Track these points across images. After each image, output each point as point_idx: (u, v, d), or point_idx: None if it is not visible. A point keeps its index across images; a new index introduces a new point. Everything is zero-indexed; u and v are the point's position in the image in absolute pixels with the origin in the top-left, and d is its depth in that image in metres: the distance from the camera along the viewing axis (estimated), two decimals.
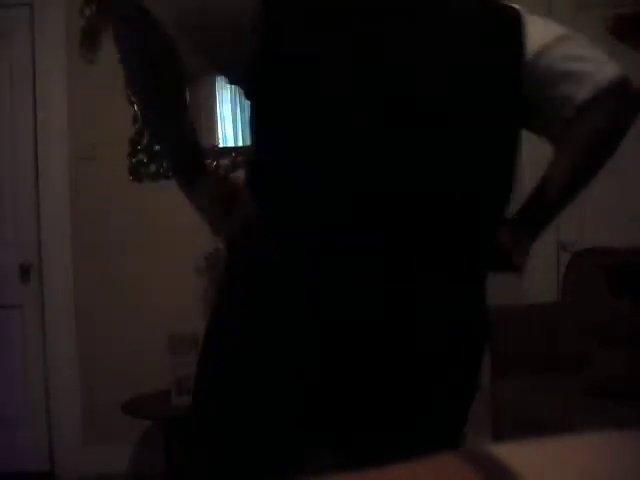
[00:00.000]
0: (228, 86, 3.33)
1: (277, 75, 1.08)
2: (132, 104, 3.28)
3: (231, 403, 1.15)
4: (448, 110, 1.12)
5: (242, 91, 1.15)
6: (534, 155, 3.41)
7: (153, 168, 3.40)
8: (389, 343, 1.12)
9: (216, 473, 1.18)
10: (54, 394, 3.44)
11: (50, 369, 3.44)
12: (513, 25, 1.26)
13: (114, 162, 3.41)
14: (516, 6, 1.31)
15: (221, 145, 3.46)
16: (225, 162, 3.39)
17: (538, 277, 3.38)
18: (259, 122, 1.14)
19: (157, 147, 3.18)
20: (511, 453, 0.35)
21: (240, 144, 3.44)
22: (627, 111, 1.32)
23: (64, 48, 3.41)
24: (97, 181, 3.42)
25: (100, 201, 3.40)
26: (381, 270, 1.09)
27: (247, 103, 1.17)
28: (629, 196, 3.37)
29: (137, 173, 3.42)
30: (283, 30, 1.06)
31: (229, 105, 3.48)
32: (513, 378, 2.98)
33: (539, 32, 1.30)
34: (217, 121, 3.48)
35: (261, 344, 1.11)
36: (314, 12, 1.08)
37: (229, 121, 3.49)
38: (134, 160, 3.42)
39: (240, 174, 2.76)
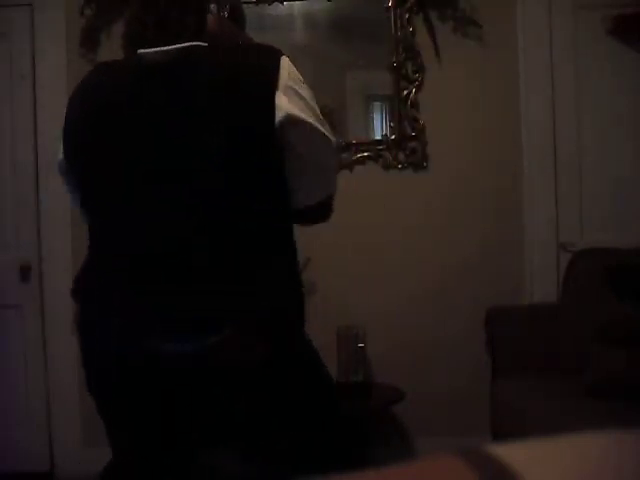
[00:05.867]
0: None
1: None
2: None
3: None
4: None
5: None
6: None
7: None
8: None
9: None
10: (54, 394, 3.44)
11: (50, 369, 3.44)
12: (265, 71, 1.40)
13: None
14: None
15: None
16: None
17: (538, 277, 3.38)
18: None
19: None
20: (511, 453, 0.35)
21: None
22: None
23: (64, 48, 3.41)
24: None
25: None
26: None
27: None
28: (629, 196, 3.37)
29: None
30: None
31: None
32: (513, 378, 2.98)
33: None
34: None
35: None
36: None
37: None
38: None
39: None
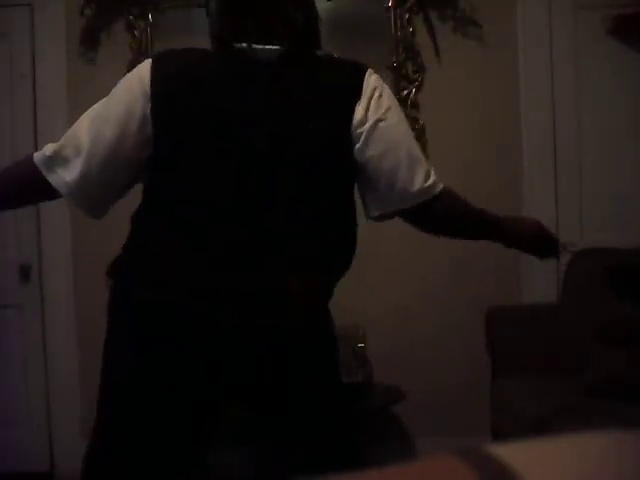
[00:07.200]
0: None
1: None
2: None
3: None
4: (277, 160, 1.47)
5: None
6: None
7: None
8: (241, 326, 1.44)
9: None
10: (54, 394, 3.44)
11: (50, 369, 3.44)
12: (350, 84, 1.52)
13: None
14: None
15: None
16: None
17: (538, 277, 3.38)
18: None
19: None
20: (511, 453, 0.35)
21: None
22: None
23: (64, 48, 3.41)
24: None
25: None
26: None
27: None
28: (629, 196, 3.37)
29: None
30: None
31: None
32: (513, 378, 2.97)
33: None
34: None
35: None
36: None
37: None
38: None
39: None
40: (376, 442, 3.24)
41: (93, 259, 3.46)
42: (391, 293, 3.39)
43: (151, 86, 1.48)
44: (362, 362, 3.08)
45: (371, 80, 1.52)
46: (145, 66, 1.52)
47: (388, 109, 1.52)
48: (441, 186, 1.60)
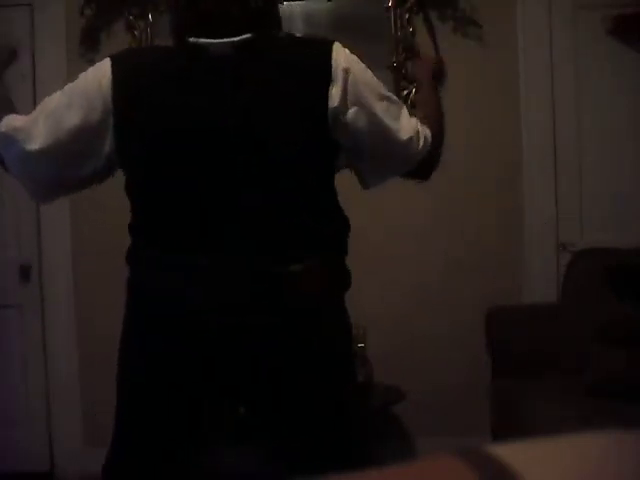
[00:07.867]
0: None
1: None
2: None
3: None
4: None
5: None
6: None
7: None
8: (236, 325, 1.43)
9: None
10: (54, 394, 3.44)
11: (50, 369, 3.44)
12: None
13: None
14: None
15: None
16: None
17: (538, 277, 3.38)
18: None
19: None
20: (511, 453, 0.35)
21: None
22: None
23: (64, 48, 3.41)
24: None
25: (100, 201, 3.40)
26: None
27: None
28: (629, 196, 3.37)
29: None
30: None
31: None
32: (513, 378, 2.98)
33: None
34: None
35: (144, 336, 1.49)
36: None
37: None
38: None
39: None
40: (376, 442, 3.24)
41: (93, 259, 3.46)
42: (391, 293, 3.39)
43: (112, 91, 1.46)
44: (362, 362, 3.08)
45: (340, 59, 1.47)
46: (104, 68, 1.50)
47: (364, 89, 1.48)
48: (430, 137, 1.60)
